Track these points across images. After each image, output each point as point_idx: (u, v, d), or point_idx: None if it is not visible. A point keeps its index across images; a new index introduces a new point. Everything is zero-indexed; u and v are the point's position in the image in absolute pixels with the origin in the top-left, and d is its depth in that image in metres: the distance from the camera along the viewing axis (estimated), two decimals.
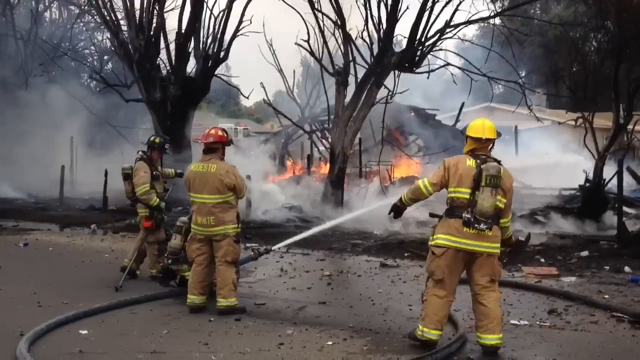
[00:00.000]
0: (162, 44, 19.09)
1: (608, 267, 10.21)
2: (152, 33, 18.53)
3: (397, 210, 6.57)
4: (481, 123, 6.29)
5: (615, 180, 13.20)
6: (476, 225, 5.98)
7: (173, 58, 18.96)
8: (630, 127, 14.41)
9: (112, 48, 20.53)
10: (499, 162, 6.12)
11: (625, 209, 13.17)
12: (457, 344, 6.16)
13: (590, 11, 14.66)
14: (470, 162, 6.11)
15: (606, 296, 8.42)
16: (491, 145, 6.30)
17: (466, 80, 17.51)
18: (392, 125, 25.89)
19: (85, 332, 6.72)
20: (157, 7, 18.41)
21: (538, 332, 6.86)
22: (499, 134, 6.35)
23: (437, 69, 16.94)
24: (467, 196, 6.04)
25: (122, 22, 19.40)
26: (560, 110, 32.79)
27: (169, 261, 8.22)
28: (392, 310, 7.73)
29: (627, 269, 10.02)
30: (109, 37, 21.47)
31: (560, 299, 8.23)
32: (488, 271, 6.19)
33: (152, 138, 9.59)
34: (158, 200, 9.16)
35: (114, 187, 19.97)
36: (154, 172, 9.23)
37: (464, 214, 6.01)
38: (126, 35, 18.90)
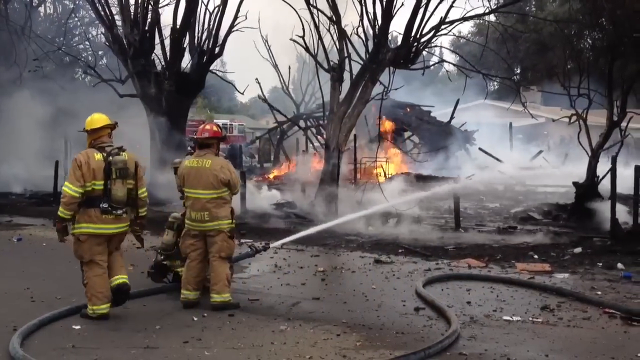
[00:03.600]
0: (157, 39, 19.06)
1: (601, 264, 10.24)
2: (146, 28, 18.49)
3: (63, 230, 7.08)
4: (92, 117, 7.17)
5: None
6: (114, 212, 6.93)
7: (168, 53, 18.93)
8: (624, 124, 14.43)
9: (107, 43, 20.46)
10: (123, 150, 7.07)
11: (619, 206, 13.18)
12: (449, 339, 6.18)
13: (585, 8, 14.66)
14: (98, 156, 6.96)
15: (599, 292, 8.45)
16: (110, 131, 7.19)
17: (462, 76, 17.53)
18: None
19: (78, 327, 6.72)
20: (151, 2, 18.37)
21: (531, 328, 6.88)
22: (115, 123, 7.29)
23: (432, 65, 16.93)
24: (102, 187, 6.89)
25: (116, 17, 19.36)
26: (555, 107, 32.92)
27: (162, 257, 8.22)
28: (386, 306, 7.74)
29: (620, 265, 10.05)
30: (103, 32, 21.41)
31: (553, 295, 8.26)
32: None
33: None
34: None
35: None
36: None
37: (101, 204, 6.87)
38: (121, 30, 18.85)
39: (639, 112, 14.64)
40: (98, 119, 7.16)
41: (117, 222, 7.03)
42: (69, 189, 6.84)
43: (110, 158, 6.92)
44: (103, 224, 6.94)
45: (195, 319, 7.11)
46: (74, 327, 6.72)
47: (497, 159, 23.78)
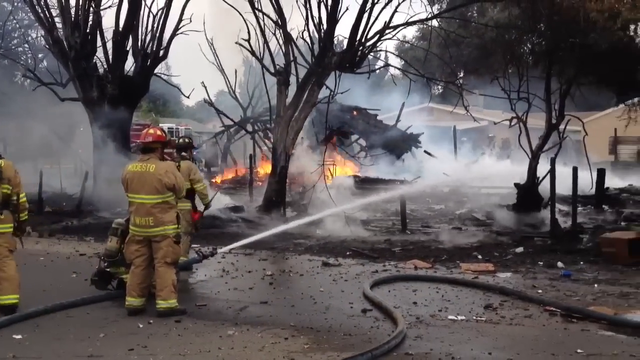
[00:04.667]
0: (99, 42, 18.69)
1: (542, 263, 10.54)
2: (88, 31, 18.13)
3: None
4: None
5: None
6: None
7: (110, 56, 18.59)
8: (562, 126, 14.89)
9: (47, 46, 19.95)
10: (2, 158, 7.43)
11: (558, 206, 13.59)
12: (396, 340, 6.25)
13: (524, 14, 15.04)
14: None
15: (540, 291, 8.69)
16: None
17: (407, 80, 17.76)
18: (333, 126, 26.02)
19: (19, 336, 6.54)
20: (93, 4, 18.01)
21: (474, 326, 7.03)
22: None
23: (377, 69, 17.07)
24: None
25: (57, 19, 18.90)
26: (497, 110, 33.69)
27: (105, 264, 8.06)
28: (334, 308, 7.78)
29: (559, 264, 10.36)
30: (43, 34, 20.84)
31: (496, 294, 8.45)
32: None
33: (186, 140, 10.03)
34: None
35: (49, 188, 19.51)
36: None
37: None
38: (61, 32, 18.42)
39: (577, 114, 15.13)
40: None
41: None
42: None
43: None
44: None
45: (141, 325, 7.00)
46: (14, 336, 6.53)
47: (434, 157, 24.39)
